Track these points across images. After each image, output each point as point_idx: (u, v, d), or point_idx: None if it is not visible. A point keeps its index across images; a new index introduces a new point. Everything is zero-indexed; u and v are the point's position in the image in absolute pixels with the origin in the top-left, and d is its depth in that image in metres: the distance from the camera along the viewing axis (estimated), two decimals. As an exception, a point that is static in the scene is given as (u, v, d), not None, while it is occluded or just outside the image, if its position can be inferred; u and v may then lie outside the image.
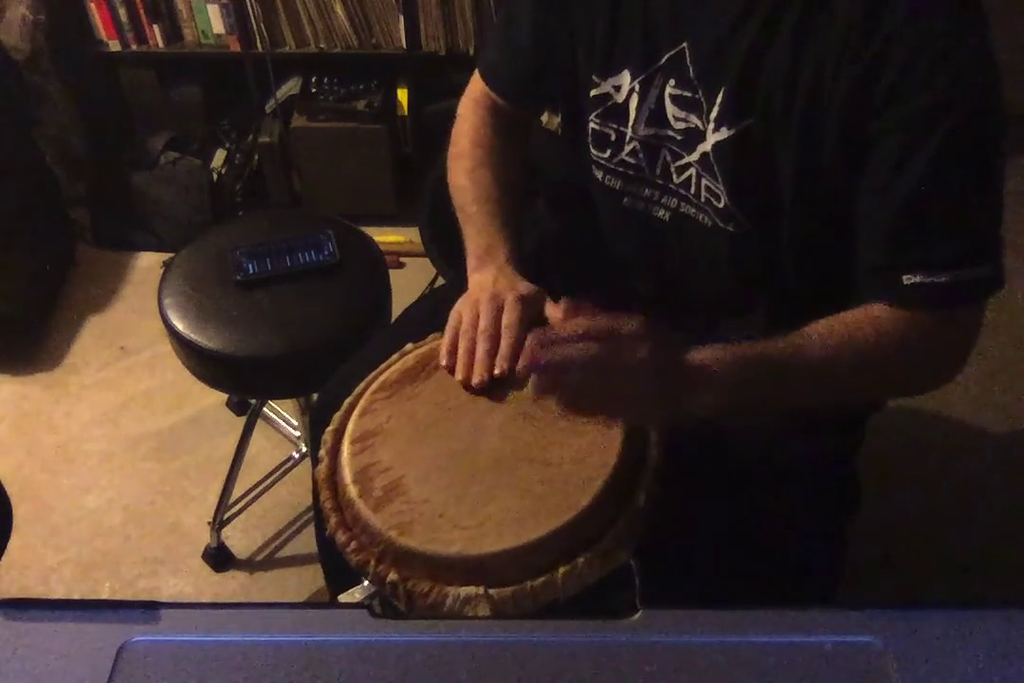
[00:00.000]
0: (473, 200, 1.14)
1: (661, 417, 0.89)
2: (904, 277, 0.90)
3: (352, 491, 0.89)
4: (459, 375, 0.97)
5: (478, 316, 1.00)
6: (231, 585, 1.78)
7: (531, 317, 1.00)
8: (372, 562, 0.86)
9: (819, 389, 0.92)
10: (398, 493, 0.88)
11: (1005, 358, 2.04)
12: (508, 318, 0.99)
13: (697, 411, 0.87)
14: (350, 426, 0.95)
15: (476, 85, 1.21)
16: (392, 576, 0.85)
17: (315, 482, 0.95)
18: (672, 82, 0.99)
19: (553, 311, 1.00)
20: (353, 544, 0.88)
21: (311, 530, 1.75)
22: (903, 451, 1.87)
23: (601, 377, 0.82)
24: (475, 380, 0.95)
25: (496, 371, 0.95)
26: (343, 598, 0.91)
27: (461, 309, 1.03)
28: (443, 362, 0.98)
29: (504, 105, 1.19)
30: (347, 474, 0.91)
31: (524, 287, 1.03)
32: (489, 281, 1.05)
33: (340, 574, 1.07)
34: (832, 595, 1.09)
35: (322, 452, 0.95)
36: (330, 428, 0.97)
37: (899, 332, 0.91)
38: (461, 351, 0.98)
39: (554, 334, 0.84)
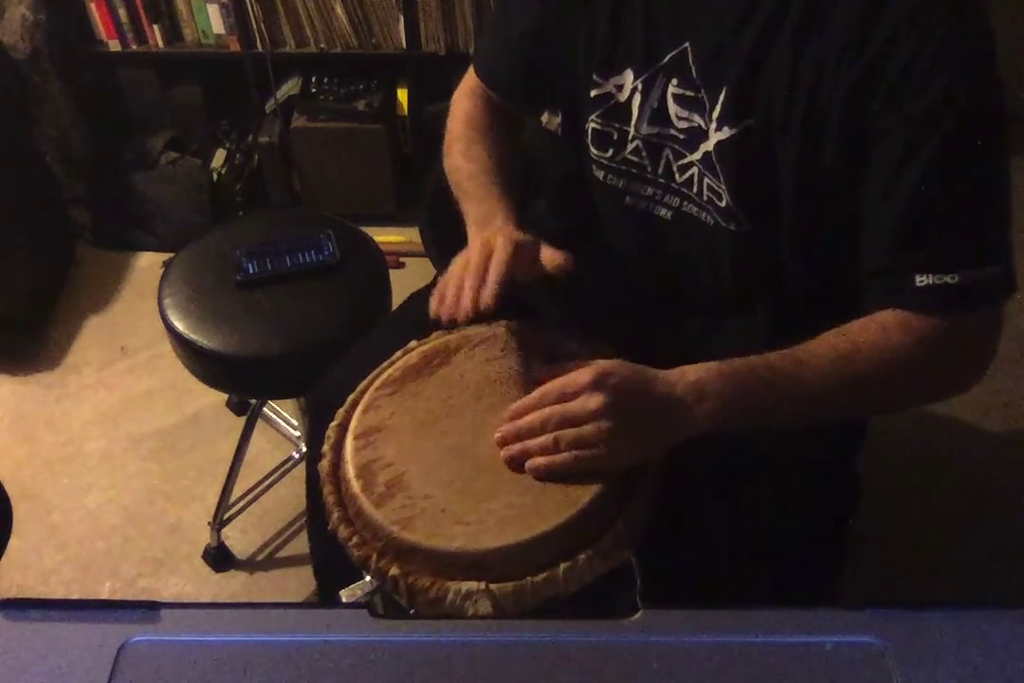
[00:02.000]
0: (468, 177, 1.12)
1: (657, 449, 0.89)
2: (916, 278, 0.88)
3: (355, 486, 0.89)
4: (445, 313, 0.95)
5: (468, 262, 0.98)
6: (231, 585, 1.78)
7: (523, 261, 0.97)
8: (374, 557, 0.86)
9: (824, 404, 0.91)
10: (400, 488, 0.88)
11: (1005, 358, 2.03)
12: (497, 256, 0.96)
13: (697, 428, 0.87)
14: (354, 421, 0.96)
15: (469, 78, 1.21)
16: (394, 571, 0.85)
17: (317, 477, 0.95)
18: (675, 81, 0.99)
19: (549, 255, 0.98)
20: (355, 539, 0.88)
21: (311, 530, 1.75)
22: (903, 452, 1.87)
23: (566, 437, 0.86)
24: (460, 315, 0.93)
25: (480, 305, 0.93)
26: (344, 594, 0.91)
27: (456, 259, 1.00)
28: (432, 307, 0.97)
29: (497, 99, 1.19)
30: (350, 469, 0.91)
31: (517, 234, 1.00)
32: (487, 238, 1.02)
33: (332, 570, 1.06)
34: (832, 595, 1.09)
35: (325, 447, 0.96)
36: (334, 423, 0.97)
37: (911, 340, 0.89)
38: (450, 292, 0.96)
39: (513, 409, 0.89)
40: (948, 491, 1.85)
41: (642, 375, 0.88)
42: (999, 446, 1.93)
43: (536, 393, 0.89)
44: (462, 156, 1.15)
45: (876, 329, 0.90)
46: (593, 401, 0.85)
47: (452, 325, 0.98)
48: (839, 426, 1.09)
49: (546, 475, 0.87)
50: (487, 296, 0.93)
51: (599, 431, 0.85)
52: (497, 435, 0.89)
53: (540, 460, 0.87)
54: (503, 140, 1.18)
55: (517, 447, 0.88)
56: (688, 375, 0.88)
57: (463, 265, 0.98)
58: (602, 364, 0.88)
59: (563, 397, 0.87)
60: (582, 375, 0.87)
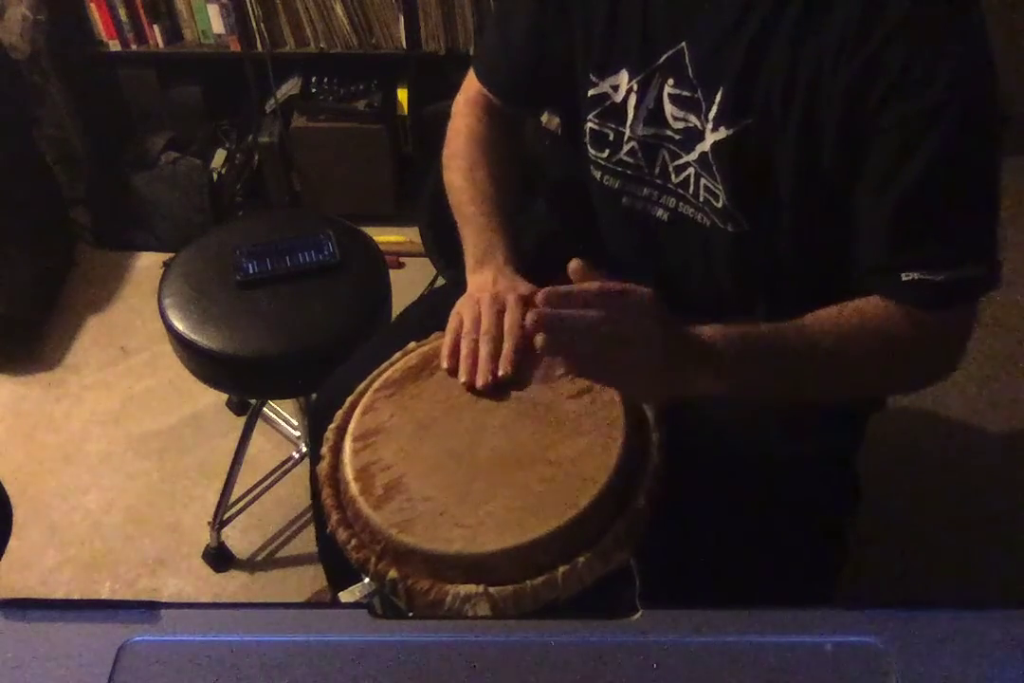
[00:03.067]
0: (470, 200, 1.13)
1: (663, 392, 0.88)
2: (902, 274, 0.90)
3: (353, 488, 0.89)
4: (462, 377, 0.96)
5: (479, 317, 1.00)
6: (231, 585, 1.78)
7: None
8: (372, 560, 0.86)
9: (817, 373, 0.92)
10: (399, 491, 0.88)
11: (1005, 358, 2.04)
12: (510, 319, 0.99)
13: (699, 387, 0.87)
14: (352, 424, 0.96)
15: (471, 83, 1.21)
16: (392, 574, 0.85)
17: (317, 479, 0.95)
18: (671, 82, 0.98)
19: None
20: (354, 541, 0.88)
21: (311, 530, 1.75)
22: (903, 451, 1.87)
23: (608, 345, 0.81)
24: (479, 383, 0.95)
25: (500, 373, 0.95)
26: (343, 596, 0.91)
27: (461, 310, 1.02)
28: (444, 364, 0.98)
29: (498, 103, 1.19)
30: (349, 471, 0.91)
31: (525, 287, 1.03)
32: (489, 282, 1.04)
33: (340, 572, 1.07)
34: (832, 595, 1.09)
35: (324, 449, 0.95)
36: (332, 425, 0.97)
37: (895, 327, 0.92)
38: (464, 353, 0.98)
39: (567, 292, 0.82)
40: (948, 491, 1.85)
41: (679, 321, 0.87)
42: (999, 446, 1.93)
43: (595, 286, 0.82)
44: (463, 177, 1.15)
45: (867, 311, 0.92)
46: (645, 330, 0.82)
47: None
48: (839, 426, 1.10)
49: (559, 350, 0.81)
50: (506, 364, 0.95)
51: (641, 331, 0.82)
52: (532, 316, 0.80)
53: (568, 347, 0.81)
54: (506, 159, 1.18)
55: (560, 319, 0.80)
56: (706, 330, 0.88)
57: (474, 321, 0.99)
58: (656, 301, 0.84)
59: (619, 302, 0.82)
60: (646, 296, 0.83)
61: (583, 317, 0.80)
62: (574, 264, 0.84)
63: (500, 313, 1.00)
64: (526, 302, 1.00)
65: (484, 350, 0.97)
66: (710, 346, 0.86)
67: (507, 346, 0.97)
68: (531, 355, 0.98)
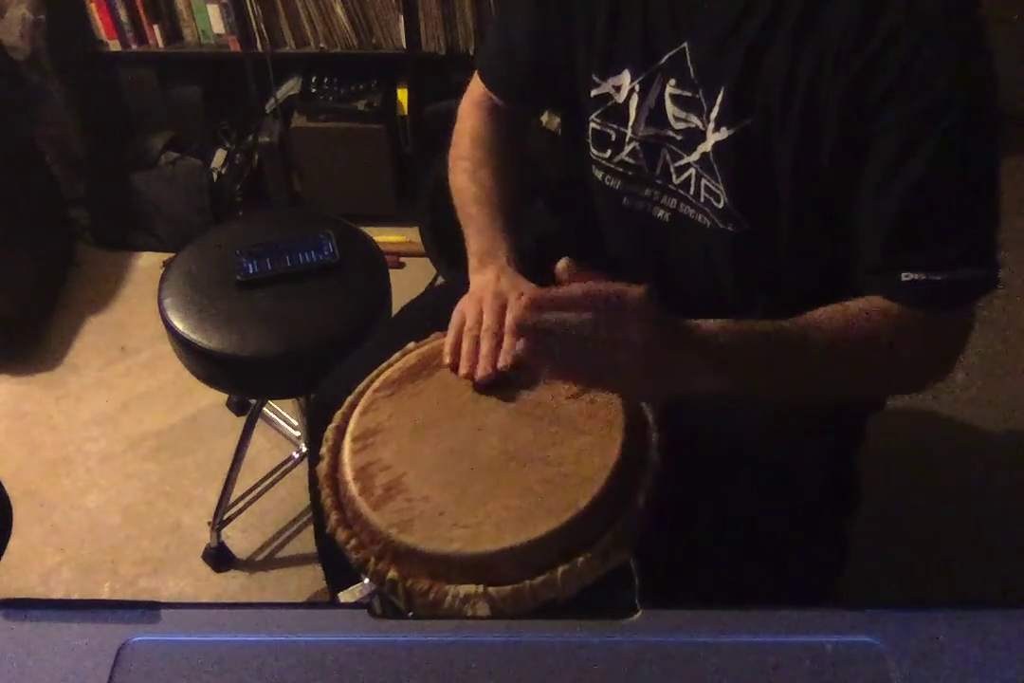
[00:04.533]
0: (474, 201, 1.14)
1: (663, 392, 0.86)
2: (902, 275, 0.90)
3: (353, 488, 0.89)
4: (462, 371, 0.97)
5: (481, 315, 1.01)
6: (231, 585, 1.78)
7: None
8: (372, 560, 0.86)
9: (816, 371, 0.91)
10: (398, 491, 0.88)
11: (1005, 358, 2.04)
12: (511, 317, 0.99)
13: (699, 384, 0.85)
14: (351, 424, 0.96)
15: (476, 85, 1.21)
16: (392, 574, 0.85)
17: (316, 479, 0.95)
18: (672, 82, 0.99)
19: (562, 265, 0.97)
20: (353, 542, 0.88)
21: (311, 530, 1.75)
22: (903, 451, 1.87)
23: (593, 348, 0.79)
24: (479, 376, 0.95)
25: (500, 365, 0.95)
26: (343, 596, 0.91)
27: (464, 308, 1.03)
28: (446, 360, 0.98)
29: (503, 105, 1.19)
30: (348, 471, 0.91)
31: (527, 286, 1.03)
32: (491, 281, 1.05)
33: (340, 573, 1.07)
34: (832, 595, 1.09)
35: (323, 449, 0.95)
36: (332, 425, 0.97)
37: (894, 327, 0.91)
38: (465, 349, 0.98)
39: (551, 295, 0.79)
40: (948, 491, 1.85)
41: (675, 318, 0.84)
42: (999, 446, 1.93)
43: (581, 288, 0.80)
44: (468, 178, 1.16)
45: (867, 311, 0.92)
46: (634, 332, 0.79)
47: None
48: (839, 426, 1.10)
49: (537, 353, 0.80)
50: (506, 358, 0.95)
51: (628, 332, 0.79)
52: (510, 321, 0.80)
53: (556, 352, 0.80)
54: (510, 161, 1.19)
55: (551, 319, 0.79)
56: (706, 325, 0.86)
57: (476, 318, 1.00)
58: (648, 301, 0.81)
59: (606, 304, 0.80)
60: (636, 297, 0.80)
61: (565, 321, 0.78)
62: (562, 264, 0.82)
63: (502, 310, 1.00)
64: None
65: (485, 346, 0.97)
66: (710, 341, 0.85)
67: (507, 341, 0.97)
68: None
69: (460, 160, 1.18)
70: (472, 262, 1.10)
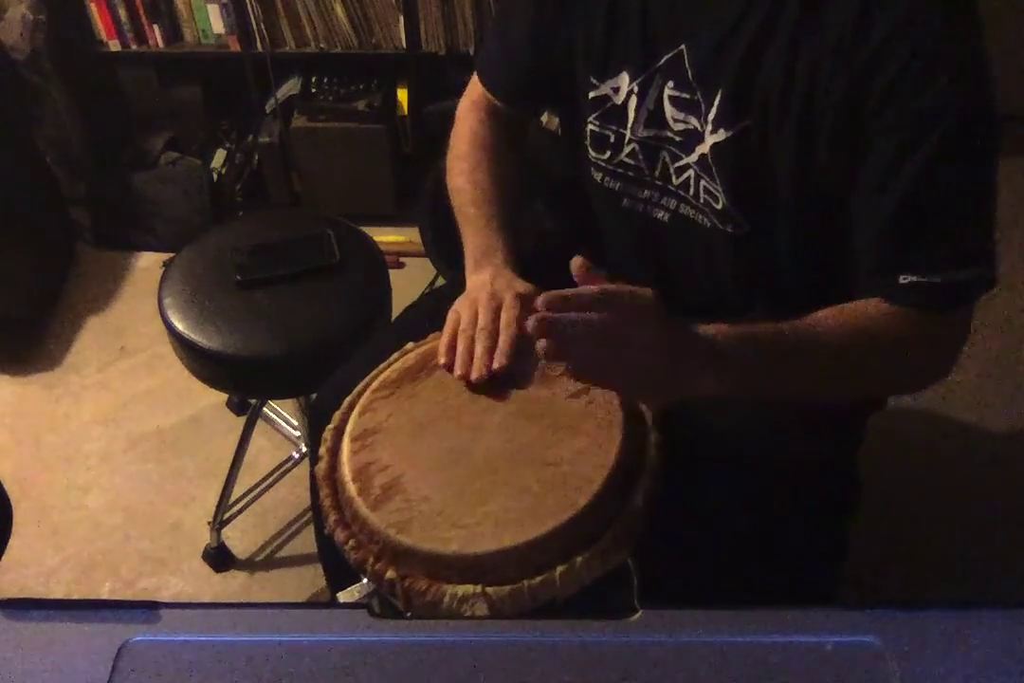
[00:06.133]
0: (471, 202, 1.14)
1: (666, 394, 0.87)
2: (900, 277, 0.90)
3: (351, 489, 0.89)
4: (458, 371, 0.97)
5: (477, 315, 1.00)
6: (231, 585, 1.78)
7: (528, 312, 0.99)
8: (370, 560, 0.86)
9: (815, 373, 0.92)
10: (397, 491, 0.88)
11: (1005, 358, 2.04)
12: (507, 316, 0.99)
13: (701, 386, 0.86)
14: (350, 424, 0.95)
15: (475, 87, 1.21)
16: (390, 574, 0.85)
17: (315, 480, 0.95)
18: (671, 84, 0.99)
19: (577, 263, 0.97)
20: (352, 542, 0.88)
21: (311, 530, 1.75)
22: (903, 451, 1.87)
23: (609, 348, 0.81)
24: (474, 375, 0.95)
25: (495, 366, 0.95)
26: (342, 596, 0.91)
27: (459, 308, 1.03)
28: (441, 360, 0.98)
29: (502, 107, 1.19)
30: (346, 472, 0.91)
31: (523, 287, 1.03)
32: (487, 281, 1.05)
33: (339, 573, 1.07)
34: (832, 595, 1.09)
35: (322, 450, 0.95)
36: (330, 426, 0.97)
37: (893, 328, 0.92)
38: (460, 348, 0.98)
39: (568, 296, 0.81)
40: (948, 491, 1.84)
41: (678, 320, 0.85)
42: (999, 446, 1.93)
43: (595, 289, 0.81)
44: (466, 179, 1.16)
45: (867, 312, 0.93)
46: (645, 333, 0.81)
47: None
48: (839, 425, 1.10)
49: (558, 354, 0.80)
50: (501, 358, 0.96)
51: (643, 332, 0.81)
52: (533, 321, 0.79)
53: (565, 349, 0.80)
54: (508, 163, 1.19)
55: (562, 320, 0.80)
56: (707, 327, 0.87)
57: (471, 318, 1.00)
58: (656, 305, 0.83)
59: (621, 304, 0.82)
60: (648, 298, 0.82)
61: (583, 321, 0.80)
62: (577, 261, 0.84)
63: (497, 310, 1.00)
64: (523, 300, 1.00)
65: (480, 346, 0.97)
66: (712, 345, 0.86)
67: (503, 341, 0.97)
68: (528, 354, 0.98)
69: (458, 161, 1.18)
70: (468, 263, 1.10)
